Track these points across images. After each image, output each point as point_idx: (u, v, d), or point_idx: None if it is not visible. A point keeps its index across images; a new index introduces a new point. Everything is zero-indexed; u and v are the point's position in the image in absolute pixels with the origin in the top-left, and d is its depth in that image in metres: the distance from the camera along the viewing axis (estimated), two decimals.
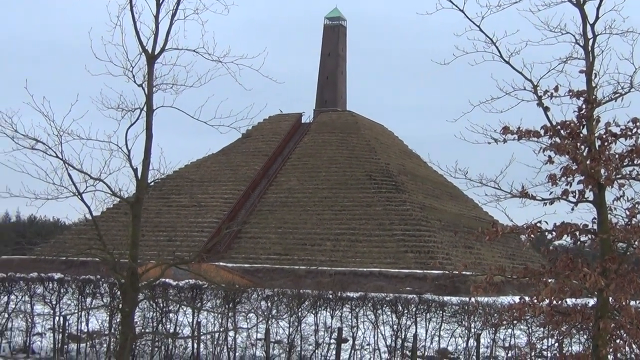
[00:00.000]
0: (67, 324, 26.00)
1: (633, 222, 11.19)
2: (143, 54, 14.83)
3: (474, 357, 23.55)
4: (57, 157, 14.38)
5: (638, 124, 11.15)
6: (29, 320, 26.23)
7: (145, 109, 14.87)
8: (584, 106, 11.41)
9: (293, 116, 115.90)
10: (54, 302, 25.99)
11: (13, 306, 26.38)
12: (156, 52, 14.87)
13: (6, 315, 26.28)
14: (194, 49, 14.85)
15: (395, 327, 24.08)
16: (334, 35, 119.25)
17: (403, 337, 24.03)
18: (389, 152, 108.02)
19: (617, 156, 11.17)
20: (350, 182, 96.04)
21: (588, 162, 11.05)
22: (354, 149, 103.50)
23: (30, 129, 14.25)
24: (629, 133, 11.18)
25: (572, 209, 11.49)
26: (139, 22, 14.56)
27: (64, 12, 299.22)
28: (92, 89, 15.12)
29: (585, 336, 19.90)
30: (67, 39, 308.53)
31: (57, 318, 25.92)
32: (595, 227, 11.30)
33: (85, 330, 26.01)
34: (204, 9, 14.67)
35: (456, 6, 12.05)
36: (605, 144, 11.26)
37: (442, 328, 24.18)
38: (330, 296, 25.23)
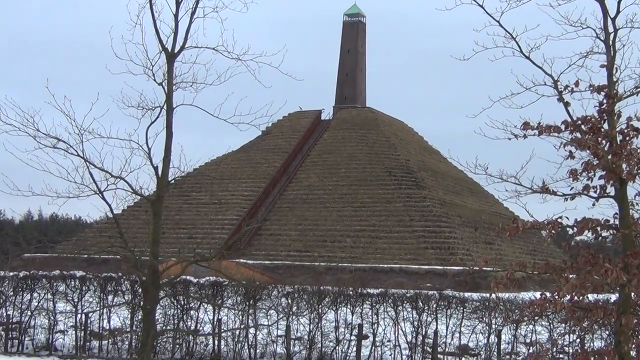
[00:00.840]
0: (89, 321, 26.19)
1: None
2: (163, 52, 14.92)
3: (494, 353, 23.48)
4: (78, 155, 14.52)
5: None
6: (52, 317, 26.45)
7: (165, 107, 14.96)
8: (605, 101, 11.32)
9: (312, 113, 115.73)
10: (76, 300, 26.19)
11: (36, 304, 26.63)
12: (176, 51, 14.95)
13: (29, 313, 26.53)
14: (214, 47, 14.92)
15: (415, 323, 24.06)
16: (353, 31, 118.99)
17: (423, 333, 24.01)
18: (409, 148, 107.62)
19: (638, 151, 11.08)
20: (370, 179, 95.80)
21: (609, 157, 10.97)
22: (374, 146, 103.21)
23: (51, 128, 14.41)
24: None
25: (593, 205, 11.40)
26: (159, 20, 14.68)
27: (85, 11, 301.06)
28: (113, 87, 15.24)
29: (607, 332, 19.84)
30: (87, 37, 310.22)
31: (79, 315, 26.11)
32: (616, 222, 11.22)
33: (107, 327, 26.20)
34: (223, 7, 14.75)
35: (475, 1, 12.01)
36: (627, 138, 11.17)
37: (463, 324, 24.12)
38: (351, 293, 25.25)
